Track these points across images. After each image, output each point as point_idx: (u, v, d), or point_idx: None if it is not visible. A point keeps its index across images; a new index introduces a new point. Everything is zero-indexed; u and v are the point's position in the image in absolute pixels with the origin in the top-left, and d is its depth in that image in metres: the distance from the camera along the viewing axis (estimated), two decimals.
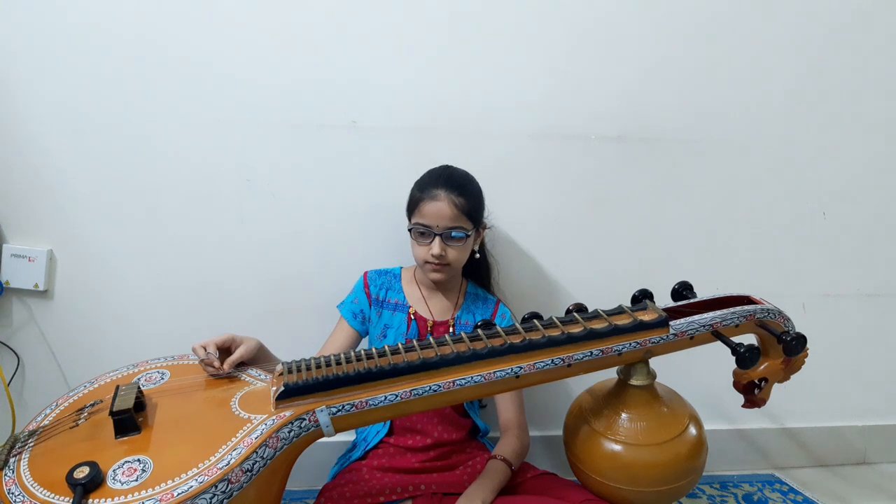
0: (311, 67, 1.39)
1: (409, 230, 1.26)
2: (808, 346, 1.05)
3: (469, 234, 1.25)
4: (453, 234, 1.22)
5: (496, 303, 1.38)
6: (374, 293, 1.35)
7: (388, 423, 1.29)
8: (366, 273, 1.38)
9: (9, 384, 1.42)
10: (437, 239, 1.22)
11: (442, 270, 1.25)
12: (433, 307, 1.33)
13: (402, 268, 1.40)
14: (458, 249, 1.24)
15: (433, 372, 0.97)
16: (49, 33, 1.32)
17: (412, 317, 1.32)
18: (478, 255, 1.35)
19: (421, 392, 0.95)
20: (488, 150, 1.47)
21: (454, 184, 1.23)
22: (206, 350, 1.02)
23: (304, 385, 0.93)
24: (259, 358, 1.10)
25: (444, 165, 1.30)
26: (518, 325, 1.04)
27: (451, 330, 1.31)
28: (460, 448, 1.28)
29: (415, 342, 1.02)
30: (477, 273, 1.40)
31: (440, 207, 1.21)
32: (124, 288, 1.46)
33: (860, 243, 1.66)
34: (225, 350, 1.05)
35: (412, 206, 1.26)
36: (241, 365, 1.06)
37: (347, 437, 1.39)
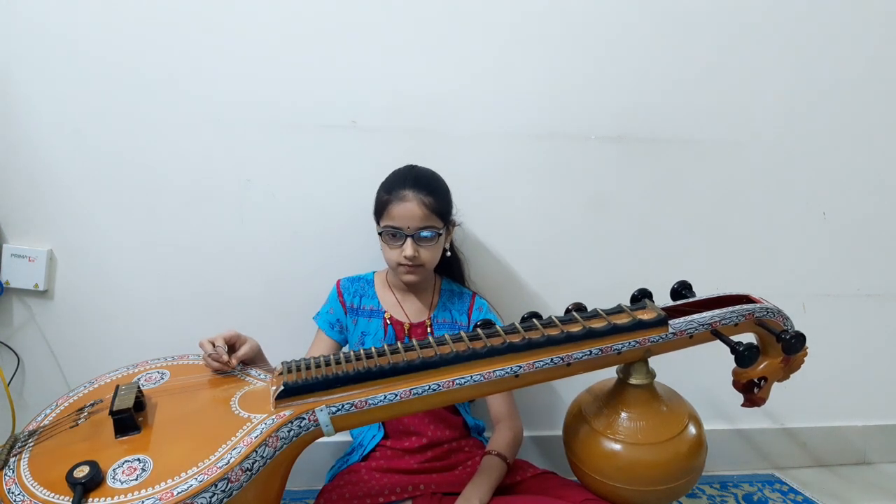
0: (311, 67, 1.39)
1: (380, 234, 1.25)
2: (808, 345, 1.05)
3: (440, 232, 1.23)
4: (424, 234, 1.21)
5: (472, 296, 1.37)
6: (349, 301, 1.34)
7: (381, 427, 1.29)
8: (338, 282, 1.37)
9: (9, 384, 1.42)
10: (409, 240, 1.20)
11: (416, 272, 1.24)
12: (408, 309, 1.32)
13: (374, 272, 1.39)
14: (430, 249, 1.23)
15: (433, 371, 0.97)
16: (48, 33, 1.32)
17: (388, 321, 1.31)
18: (449, 254, 1.33)
19: (420, 391, 0.95)
20: (488, 151, 1.47)
21: (422, 183, 1.22)
22: (213, 345, 1.02)
23: (303, 384, 0.93)
24: (258, 359, 1.10)
25: (408, 165, 1.29)
26: (517, 325, 1.04)
27: (428, 330, 1.31)
28: (457, 446, 1.28)
29: (414, 342, 1.02)
30: (449, 270, 1.39)
31: (409, 208, 1.19)
32: (124, 288, 1.46)
33: (860, 243, 1.66)
34: (229, 347, 1.05)
35: (380, 209, 1.24)
36: (242, 364, 1.06)
37: (347, 437, 1.39)
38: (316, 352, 1.33)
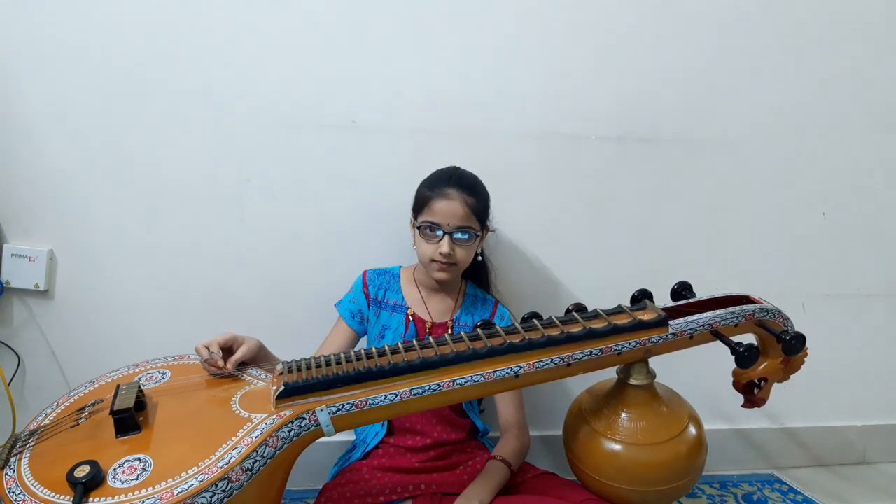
0: (311, 67, 1.39)
1: (418, 227, 1.26)
2: (808, 345, 1.05)
3: (477, 234, 1.25)
4: (463, 234, 1.22)
5: (495, 303, 1.38)
6: (373, 293, 1.35)
7: (385, 424, 1.29)
8: (365, 272, 1.38)
9: (9, 384, 1.42)
10: (447, 238, 1.21)
11: (448, 270, 1.25)
12: (432, 308, 1.33)
13: (400, 267, 1.40)
14: (465, 249, 1.24)
15: (433, 371, 0.97)
16: (48, 34, 1.32)
17: (410, 318, 1.32)
18: (480, 258, 1.35)
19: (421, 391, 0.95)
20: (489, 151, 1.47)
21: (466, 184, 1.24)
22: (209, 350, 1.02)
23: (304, 384, 0.93)
24: (259, 358, 1.10)
25: (452, 166, 1.30)
26: (517, 325, 1.04)
27: (449, 331, 1.31)
28: (460, 448, 1.28)
29: (414, 342, 1.02)
30: (476, 275, 1.40)
31: (452, 206, 1.21)
32: (124, 288, 1.46)
33: (860, 243, 1.66)
34: (227, 349, 1.05)
35: (421, 204, 1.25)
36: (242, 365, 1.06)
37: (347, 437, 1.39)
38: (334, 339, 1.34)
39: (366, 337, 1.37)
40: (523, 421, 1.30)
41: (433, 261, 1.24)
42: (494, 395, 1.32)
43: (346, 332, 1.34)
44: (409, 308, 1.33)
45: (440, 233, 1.22)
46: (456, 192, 1.22)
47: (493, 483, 1.12)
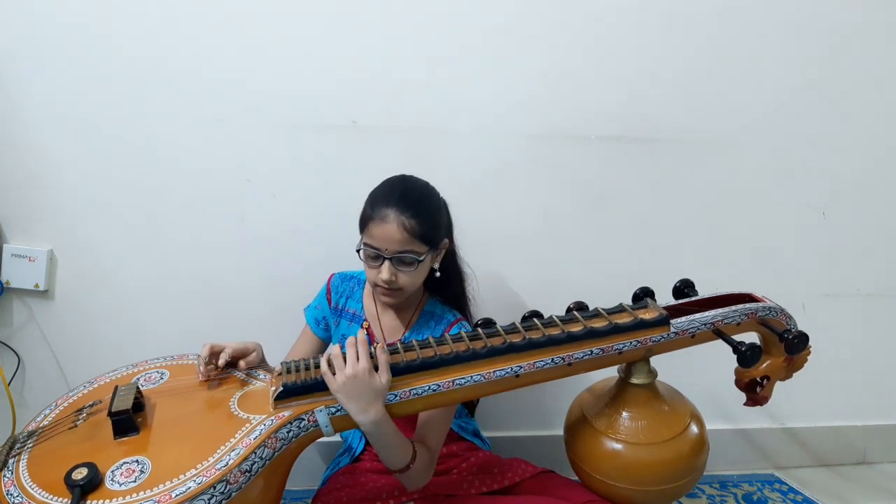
0: (311, 67, 1.39)
1: (358, 251, 1.13)
2: (809, 344, 1.04)
3: (422, 258, 1.11)
4: (403, 258, 1.10)
5: (452, 322, 1.23)
6: (335, 301, 1.28)
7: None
8: (331, 277, 1.30)
9: (9, 384, 1.42)
10: (387, 263, 1.09)
11: (392, 295, 1.14)
12: (385, 325, 1.23)
13: None
14: (409, 274, 1.12)
15: (432, 371, 0.97)
16: (48, 34, 1.32)
17: (365, 332, 1.17)
18: (438, 274, 1.19)
19: (420, 392, 0.95)
20: (488, 150, 1.47)
21: (406, 203, 1.09)
22: (217, 355, 1.02)
23: (302, 385, 0.93)
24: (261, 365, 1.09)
25: (400, 177, 1.17)
26: (518, 324, 1.04)
27: None
28: (447, 452, 1.23)
29: (414, 342, 1.02)
30: (441, 289, 1.27)
31: (389, 231, 1.07)
32: (124, 288, 1.46)
33: (860, 243, 1.66)
34: (235, 358, 1.04)
35: (363, 224, 1.13)
36: (229, 366, 1.05)
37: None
38: (300, 346, 1.29)
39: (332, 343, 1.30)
40: (439, 449, 1.11)
41: (377, 285, 1.13)
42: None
43: (312, 339, 1.29)
44: (365, 320, 1.24)
45: (380, 258, 1.10)
46: (394, 215, 1.07)
47: (393, 429, 0.96)
